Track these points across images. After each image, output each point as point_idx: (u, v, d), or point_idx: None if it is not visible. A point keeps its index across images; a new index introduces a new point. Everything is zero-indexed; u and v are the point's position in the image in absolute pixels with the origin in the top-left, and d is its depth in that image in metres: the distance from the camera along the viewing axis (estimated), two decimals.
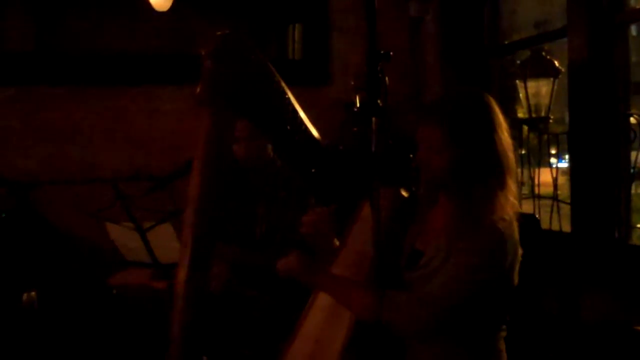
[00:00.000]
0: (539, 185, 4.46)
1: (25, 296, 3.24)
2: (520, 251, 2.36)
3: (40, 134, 4.86)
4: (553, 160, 4.65)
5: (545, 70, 4.32)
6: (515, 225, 2.35)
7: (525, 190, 4.61)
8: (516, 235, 2.35)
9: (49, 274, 4.24)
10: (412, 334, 2.38)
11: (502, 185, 2.33)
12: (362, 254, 2.50)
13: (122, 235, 3.22)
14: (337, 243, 2.65)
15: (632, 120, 3.73)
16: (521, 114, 4.60)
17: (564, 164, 4.82)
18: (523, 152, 4.53)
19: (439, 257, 2.35)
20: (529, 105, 4.36)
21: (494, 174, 2.32)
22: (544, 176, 4.50)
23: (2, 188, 2.89)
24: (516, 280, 2.37)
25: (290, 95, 2.35)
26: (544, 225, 4.18)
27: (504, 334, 2.45)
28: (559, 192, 4.35)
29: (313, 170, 2.48)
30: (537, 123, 4.40)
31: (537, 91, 4.35)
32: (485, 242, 2.28)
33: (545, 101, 4.35)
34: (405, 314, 2.28)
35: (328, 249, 2.64)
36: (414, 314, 2.28)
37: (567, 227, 4.09)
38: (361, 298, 2.35)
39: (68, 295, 4.07)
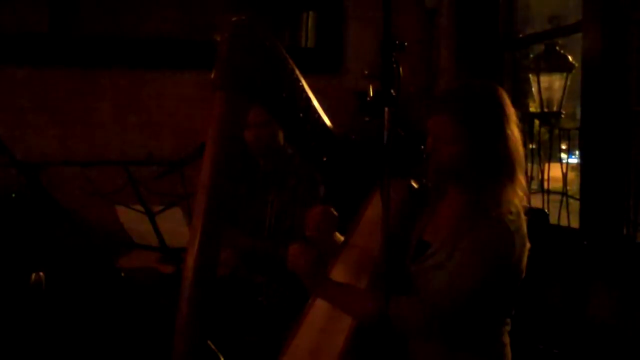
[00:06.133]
0: (548, 180, 4.45)
1: (33, 276, 3.25)
2: (528, 245, 2.36)
3: (52, 116, 4.87)
4: (563, 155, 4.65)
5: (558, 65, 4.31)
6: (523, 218, 2.35)
7: (535, 185, 4.61)
8: (524, 228, 2.35)
9: (57, 255, 4.26)
10: (416, 334, 2.38)
11: (511, 178, 2.33)
12: (367, 249, 2.50)
13: (131, 218, 3.22)
14: (342, 238, 2.66)
15: None
16: (533, 108, 4.59)
17: (574, 160, 4.81)
18: (533, 146, 4.52)
19: (445, 250, 2.35)
20: (541, 100, 4.35)
21: (503, 167, 2.33)
22: (554, 171, 4.49)
23: (12, 168, 2.89)
24: (523, 273, 2.38)
25: (303, 82, 2.35)
26: (553, 220, 4.18)
27: (508, 327, 2.45)
28: (568, 187, 4.34)
29: (324, 159, 2.48)
30: (549, 117, 4.39)
31: (550, 85, 4.34)
32: (491, 237, 2.28)
33: (557, 96, 4.34)
34: (409, 315, 2.28)
35: (330, 246, 2.64)
36: (417, 315, 2.28)
37: (575, 223, 4.09)
38: (362, 305, 2.35)
39: (76, 276, 4.08)
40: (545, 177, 4.45)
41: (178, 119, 4.97)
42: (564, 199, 4.26)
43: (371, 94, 2.45)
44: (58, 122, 4.87)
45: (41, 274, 3.25)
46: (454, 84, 3.57)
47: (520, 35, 4.99)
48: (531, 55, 4.74)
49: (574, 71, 4.27)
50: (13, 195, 4.33)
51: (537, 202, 4.29)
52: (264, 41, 2.22)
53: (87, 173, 4.21)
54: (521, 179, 2.36)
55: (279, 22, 5.57)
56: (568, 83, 4.31)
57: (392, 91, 2.13)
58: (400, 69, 2.17)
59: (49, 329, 3.66)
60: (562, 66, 4.30)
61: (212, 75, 2.18)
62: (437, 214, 2.52)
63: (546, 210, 4.19)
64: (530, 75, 4.43)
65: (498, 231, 2.28)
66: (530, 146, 4.47)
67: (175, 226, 3.12)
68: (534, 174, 4.49)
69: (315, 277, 2.44)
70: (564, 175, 4.37)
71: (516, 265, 2.33)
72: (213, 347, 2.30)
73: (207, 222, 2.13)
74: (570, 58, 4.28)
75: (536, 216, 2.57)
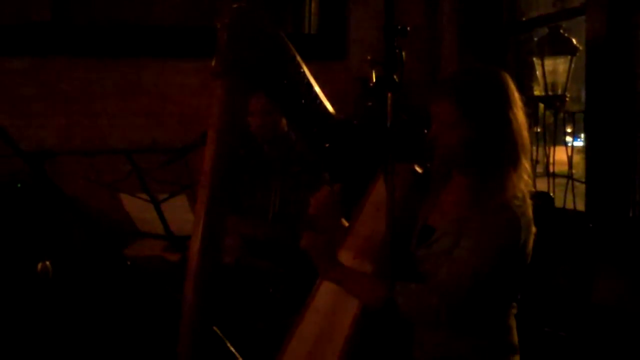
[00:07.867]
0: (553, 163, 4.45)
1: (39, 266, 3.26)
2: (533, 229, 2.35)
3: (56, 105, 4.87)
4: (568, 138, 4.64)
5: (562, 48, 4.31)
6: (528, 202, 2.34)
7: (540, 169, 4.60)
8: (529, 212, 2.34)
9: (63, 244, 4.27)
10: (424, 323, 2.38)
11: (515, 163, 2.32)
12: (371, 235, 2.49)
13: (137, 207, 3.22)
14: (346, 223, 2.65)
15: None
16: (537, 91, 4.58)
17: (579, 143, 4.81)
18: (538, 130, 4.51)
19: (450, 235, 2.35)
20: (545, 83, 4.35)
21: (507, 151, 2.31)
22: (559, 154, 4.49)
23: (17, 158, 2.89)
24: (529, 258, 2.37)
25: (305, 69, 2.34)
26: (558, 203, 4.17)
27: (514, 310, 2.45)
28: (573, 170, 4.34)
29: (327, 145, 2.47)
30: (554, 101, 4.38)
31: (554, 69, 4.33)
32: (496, 223, 2.27)
33: (562, 79, 4.34)
34: (417, 303, 2.27)
35: (334, 229, 2.63)
36: (425, 303, 2.26)
37: (581, 206, 4.08)
38: (371, 290, 2.34)
39: (82, 265, 4.09)
40: (551, 160, 4.45)
41: (181, 106, 4.97)
42: (570, 182, 4.26)
43: (374, 80, 2.45)
44: (62, 111, 4.88)
45: (48, 263, 3.26)
46: (457, 69, 3.56)
47: (524, 19, 4.98)
48: (535, 39, 4.73)
49: (578, 54, 4.26)
50: (18, 185, 4.34)
51: (542, 185, 4.29)
52: (265, 28, 2.22)
53: (91, 162, 4.22)
54: (526, 163, 2.35)
55: (281, 8, 5.56)
56: (572, 66, 4.30)
57: (395, 76, 2.12)
58: (403, 54, 2.16)
59: (56, 318, 3.67)
60: (566, 49, 4.29)
61: (213, 62, 2.18)
62: (441, 198, 2.51)
63: (551, 194, 4.20)
64: (535, 59, 4.42)
65: (504, 217, 2.28)
66: (535, 130, 4.46)
67: (181, 214, 3.12)
68: (539, 157, 4.49)
69: (327, 259, 2.42)
70: (569, 159, 4.37)
71: (522, 250, 2.32)
72: (219, 333, 2.31)
73: (211, 208, 2.13)
74: (574, 41, 4.27)
75: (541, 200, 2.56)
